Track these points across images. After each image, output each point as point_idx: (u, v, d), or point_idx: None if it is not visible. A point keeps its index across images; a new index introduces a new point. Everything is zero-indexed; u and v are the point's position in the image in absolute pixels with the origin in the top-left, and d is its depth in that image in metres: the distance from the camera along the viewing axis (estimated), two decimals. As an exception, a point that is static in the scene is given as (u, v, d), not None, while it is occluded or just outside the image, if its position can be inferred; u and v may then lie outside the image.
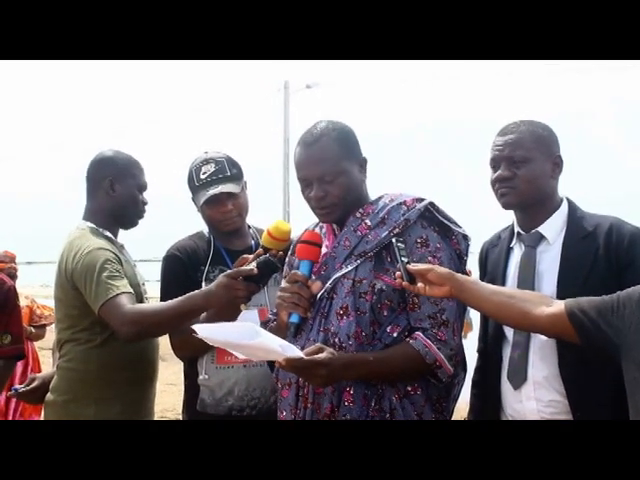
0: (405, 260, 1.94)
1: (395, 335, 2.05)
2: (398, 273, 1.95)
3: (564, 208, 2.19)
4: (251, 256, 2.32)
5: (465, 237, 2.20)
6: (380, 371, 2.02)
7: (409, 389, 2.05)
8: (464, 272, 2.18)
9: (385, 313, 2.06)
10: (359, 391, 2.02)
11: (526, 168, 2.12)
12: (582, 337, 1.81)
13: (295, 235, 2.39)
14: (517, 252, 2.23)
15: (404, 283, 1.93)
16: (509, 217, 2.30)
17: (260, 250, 2.32)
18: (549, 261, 2.14)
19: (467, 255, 2.21)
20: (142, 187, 2.67)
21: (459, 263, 2.18)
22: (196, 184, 2.57)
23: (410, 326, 2.07)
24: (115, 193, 2.59)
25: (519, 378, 2.13)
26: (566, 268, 2.09)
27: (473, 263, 2.34)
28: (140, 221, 2.72)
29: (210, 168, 2.56)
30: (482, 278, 2.34)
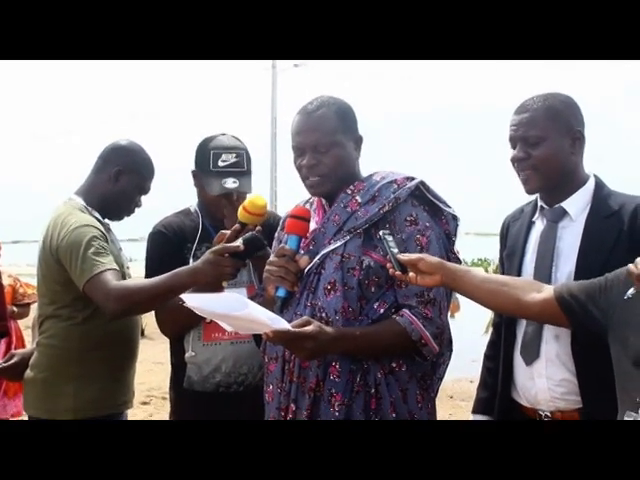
0: (395, 250, 1.95)
1: (382, 311, 2.06)
2: (389, 264, 1.96)
3: (590, 185, 2.14)
4: (228, 232, 2.31)
5: (454, 217, 2.21)
6: (366, 346, 2.02)
7: (394, 365, 2.06)
8: (453, 252, 2.19)
9: (372, 289, 2.07)
10: (345, 366, 2.03)
11: (541, 148, 2.08)
12: (571, 320, 1.83)
13: (284, 212, 2.38)
14: (538, 226, 2.20)
15: (397, 273, 1.94)
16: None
17: (237, 226, 2.30)
18: (570, 238, 2.10)
19: (456, 235, 2.21)
20: (143, 190, 2.67)
21: (448, 243, 2.19)
22: (211, 168, 2.51)
23: (397, 303, 2.08)
24: (117, 183, 2.60)
25: (532, 354, 2.11)
26: (587, 246, 2.05)
27: (462, 244, 2.33)
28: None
29: (230, 158, 2.52)
30: (502, 252, 2.34)
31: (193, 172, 2.60)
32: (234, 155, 2.52)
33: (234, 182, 2.49)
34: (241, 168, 2.52)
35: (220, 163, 2.51)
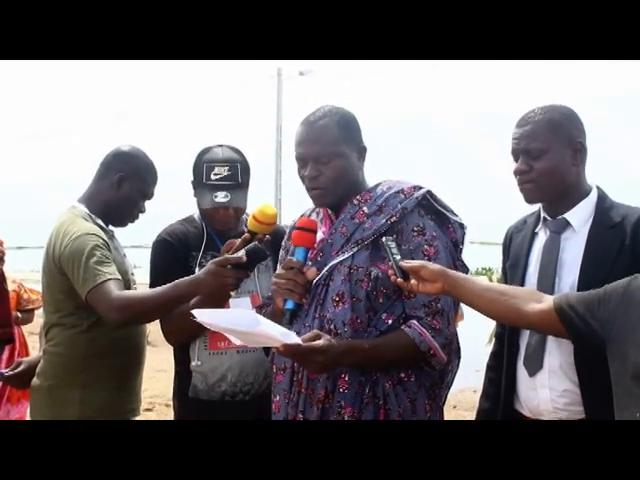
0: (397, 257, 1.95)
1: (390, 322, 2.06)
2: (391, 271, 1.96)
3: (593, 196, 2.15)
4: (237, 240, 2.31)
5: (461, 225, 2.21)
6: (375, 358, 2.02)
7: (402, 376, 2.06)
8: (460, 260, 2.19)
9: (381, 300, 2.07)
10: (354, 377, 2.03)
11: (543, 160, 2.08)
12: (570, 332, 1.83)
13: (289, 220, 2.39)
14: (541, 237, 2.20)
15: (398, 280, 1.94)
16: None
17: (247, 235, 2.30)
18: (573, 249, 2.10)
19: (463, 244, 2.21)
20: (146, 195, 2.66)
21: (455, 251, 2.19)
22: (204, 181, 2.52)
23: (405, 314, 2.07)
24: (119, 189, 2.59)
25: (535, 365, 2.11)
26: (590, 257, 2.05)
27: (466, 252, 2.32)
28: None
29: (223, 171, 2.51)
30: (505, 263, 2.33)
31: (192, 183, 2.61)
32: (227, 168, 2.51)
33: (225, 196, 2.47)
34: (234, 181, 2.50)
35: (212, 177, 2.50)
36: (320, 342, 1.92)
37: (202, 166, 2.53)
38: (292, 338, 1.89)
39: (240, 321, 1.85)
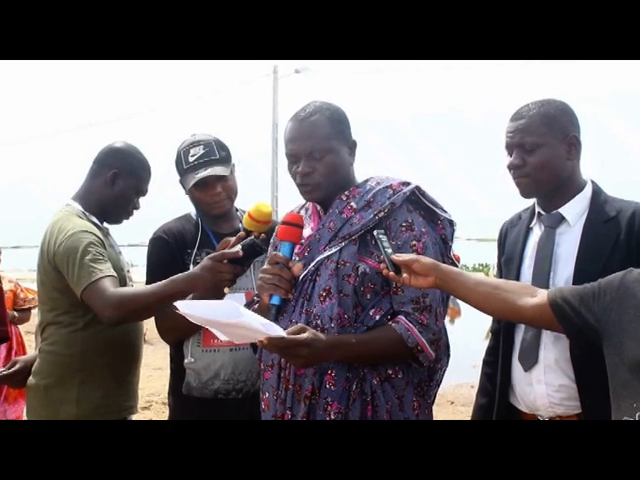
0: (389, 251, 1.94)
1: (377, 318, 2.05)
2: (383, 265, 1.95)
3: (587, 191, 2.15)
4: (233, 238, 2.31)
5: (451, 222, 2.21)
6: (362, 353, 2.01)
7: (390, 372, 2.05)
8: (449, 257, 2.19)
9: (368, 296, 2.06)
10: (341, 374, 2.02)
11: (537, 154, 2.08)
12: (565, 326, 1.82)
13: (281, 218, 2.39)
14: (536, 232, 2.21)
15: (390, 274, 1.93)
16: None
17: (242, 233, 2.30)
18: (568, 243, 2.10)
19: (452, 240, 2.21)
20: (141, 192, 2.66)
21: (444, 248, 2.18)
22: (184, 167, 2.56)
23: (393, 309, 2.07)
24: (113, 187, 2.59)
25: (530, 360, 2.11)
26: (585, 252, 2.05)
27: (459, 249, 2.32)
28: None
29: (198, 151, 2.55)
30: (500, 258, 2.34)
31: (179, 182, 2.62)
32: (202, 147, 2.55)
33: (205, 170, 2.51)
34: (212, 157, 2.54)
35: (190, 158, 2.55)
36: (304, 335, 1.89)
37: (179, 155, 2.58)
38: (275, 329, 1.86)
39: (222, 312, 1.83)
